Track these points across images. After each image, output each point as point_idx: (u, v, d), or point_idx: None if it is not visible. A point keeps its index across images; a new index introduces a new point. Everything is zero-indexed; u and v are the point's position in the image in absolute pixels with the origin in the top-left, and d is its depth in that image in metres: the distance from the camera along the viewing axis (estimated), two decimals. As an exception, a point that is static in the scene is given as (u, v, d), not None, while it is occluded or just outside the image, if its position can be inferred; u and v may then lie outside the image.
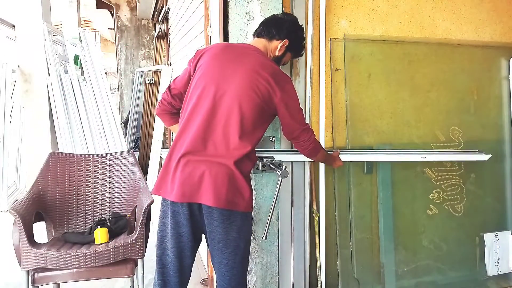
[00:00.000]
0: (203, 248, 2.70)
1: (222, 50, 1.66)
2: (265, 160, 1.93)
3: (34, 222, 2.17)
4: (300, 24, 1.85)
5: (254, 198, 2.07)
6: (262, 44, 1.74)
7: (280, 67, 1.82)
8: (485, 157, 2.40)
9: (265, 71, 1.58)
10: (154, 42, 7.46)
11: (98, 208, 2.44)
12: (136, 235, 2.00)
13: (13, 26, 4.49)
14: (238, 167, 1.54)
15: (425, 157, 2.28)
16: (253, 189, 2.04)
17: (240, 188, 1.55)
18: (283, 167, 1.82)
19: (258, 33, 1.79)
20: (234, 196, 1.54)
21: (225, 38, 1.97)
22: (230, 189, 1.53)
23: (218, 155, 1.53)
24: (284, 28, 1.75)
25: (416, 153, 2.31)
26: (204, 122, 1.55)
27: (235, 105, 1.54)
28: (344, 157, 2.19)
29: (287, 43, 1.75)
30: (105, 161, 2.52)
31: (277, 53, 1.75)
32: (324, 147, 2.24)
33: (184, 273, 1.69)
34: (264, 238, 1.89)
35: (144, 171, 4.00)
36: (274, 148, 2.10)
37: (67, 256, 1.97)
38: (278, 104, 1.62)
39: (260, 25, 1.80)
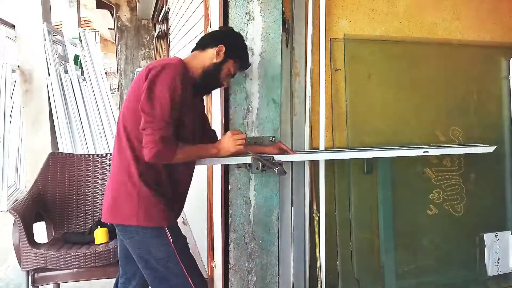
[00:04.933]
0: (203, 248, 2.70)
1: None
2: (265, 160, 1.93)
3: (34, 222, 2.18)
4: (238, 32, 1.78)
5: (254, 198, 2.07)
6: (194, 55, 1.66)
7: (229, 78, 1.72)
8: (490, 149, 2.37)
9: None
10: (154, 42, 7.46)
11: (98, 208, 2.44)
12: (136, 235, 2.00)
13: (13, 26, 4.49)
14: None
15: (428, 151, 2.27)
16: (253, 189, 2.05)
17: None
18: (280, 165, 1.84)
19: (192, 49, 1.71)
20: None
21: (225, 38, 1.97)
22: None
23: None
24: (218, 36, 1.70)
25: (418, 148, 2.29)
26: None
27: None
28: (345, 155, 2.19)
29: (224, 49, 1.62)
30: (105, 161, 2.52)
31: (215, 60, 1.62)
32: (324, 147, 2.24)
33: None
34: None
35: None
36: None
37: (67, 256, 1.97)
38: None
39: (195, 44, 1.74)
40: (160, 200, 1.53)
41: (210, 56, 1.62)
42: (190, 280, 1.55)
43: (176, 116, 1.49)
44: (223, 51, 1.62)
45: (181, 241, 1.60)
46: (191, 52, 1.70)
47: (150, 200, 1.51)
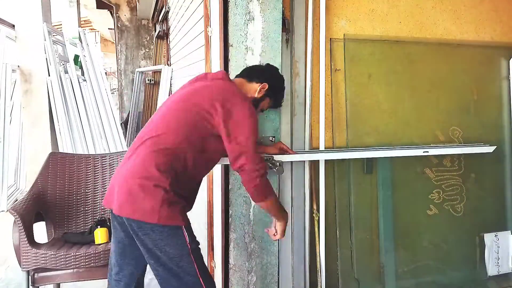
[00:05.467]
0: (203, 248, 2.70)
1: None
2: (265, 160, 1.93)
3: (34, 222, 2.18)
4: (282, 74, 1.92)
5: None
6: (241, 82, 1.79)
7: (259, 112, 1.87)
8: (490, 149, 2.39)
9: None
10: (154, 42, 7.46)
11: (98, 208, 2.44)
12: (136, 235, 2.00)
13: (13, 26, 4.49)
14: None
15: (428, 151, 2.28)
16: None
17: None
18: (278, 165, 1.89)
19: (238, 75, 1.86)
20: None
21: (225, 38, 1.97)
22: None
23: None
24: (265, 73, 1.84)
25: (418, 148, 2.30)
26: None
27: None
28: (345, 155, 2.19)
29: (267, 87, 1.78)
30: (105, 161, 2.52)
31: (256, 95, 1.78)
32: (324, 147, 2.24)
33: None
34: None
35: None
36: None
37: (67, 256, 1.97)
38: None
39: (242, 70, 1.89)
40: (180, 200, 1.57)
41: (254, 90, 1.78)
42: (201, 280, 1.57)
43: None
44: (266, 88, 1.78)
45: (196, 242, 1.62)
46: (237, 76, 1.84)
47: (172, 200, 1.54)
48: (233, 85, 1.71)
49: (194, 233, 1.64)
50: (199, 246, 1.64)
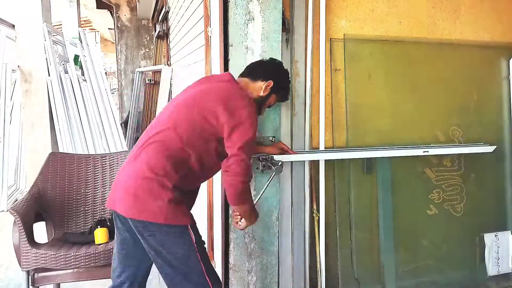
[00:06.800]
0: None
1: None
2: (265, 160, 1.93)
3: (34, 222, 2.17)
4: (286, 68, 1.90)
5: (254, 198, 2.07)
6: (246, 83, 1.79)
7: (265, 110, 1.88)
8: (490, 148, 2.39)
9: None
10: (154, 42, 7.46)
11: (98, 208, 2.44)
12: (136, 235, 2.00)
13: (13, 26, 4.48)
14: None
15: (428, 151, 2.28)
16: (253, 189, 2.05)
17: None
18: (278, 164, 1.90)
19: (242, 74, 1.85)
20: None
21: (225, 38, 1.97)
22: None
23: None
24: (270, 70, 1.82)
25: (418, 148, 2.30)
26: None
27: None
28: (345, 155, 2.19)
29: (272, 84, 1.77)
30: (105, 161, 2.52)
31: (261, 93, 1.77)
32: (324, 147, 2.24)
33: None
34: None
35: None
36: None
37: (67, 256, 1.97)
38: None
39: (245, 68, 1.87)
40: (184, 200, 1.58)
41: (259, 88, 1.77)
42: (208, 280, 1.58)
43: None
44: (271, 86, 1.76)
45: (202, 241, 1.63)
46: (240, 76, 1.82)
47: (178, 199, 1.54)
48: (237, 88, 1.71)
49: (200, 233, 1.65)
50: (205, 245, 1.65)
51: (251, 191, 2.04)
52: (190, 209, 1.71)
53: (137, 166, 1.57)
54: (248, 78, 1.80)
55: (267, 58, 1.95)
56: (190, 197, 1.70)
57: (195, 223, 1.63)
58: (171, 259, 1.56)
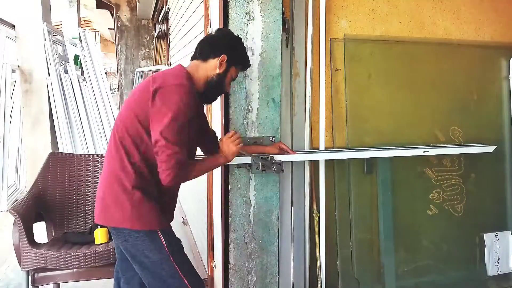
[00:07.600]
0: (203, 248, 2.70)
1: None
2: (265, 160, 1.93)
3: (34, 222, 2.18)
4: (236, 35, 1.72)
5: (254, 198, 2.07)
6: (196, 66, 1.63)
7: (230, 83, 1.71)
8: (490, 149, 2.39)
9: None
10: (154, 42, 7.46)
11: (98, 208, 2.43)
12: (136, 235, 2.00)
13: (13, 26, 4.49)
14: None
15: (428, 151, 2.28)
16: (253, 189, 2.05)
17: None
18: (278, 164, 1.89)
19: (192, 57, 1.68)
20: None
21: (225, 38, 1.97)
22: None
23: None
24: (218, 45, 1.64)
25: (418, 148, 2.30)
26: None
27: None
28: (345, 155, 2.19)
29: (226, 58, 1.60)
30: (105, 161, 2.52)
31: (218, 71, 1.61)
32: (324, 147, 2.24)
33: None
34: None
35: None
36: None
37: (67, 256, 1.97)
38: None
39: (195, 48, 1.69)
40: (152, 204, 1.53)
41: (213, 67, 1.60)
42: (185, 281, 1.56)
43: (187, 135, 1.49)
44: (225, 60, 1.60)
45: (174, 243, 1.60)
46: (192, 60, 1.68)
47: (143, 205, 1.51)
48: (175, 72, 1.57)
49: (175, 234, 1.63)
50: (181, 245, 1.63)
51: (251, 191, 2.05)
52: (170, 209, 1.67)
53: (105, 173, 1.58)
54: (198, 60, 1.64)
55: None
56: (165, 203, 1.62)
57: (168, 226, 1.61)
58: (147, 263, 1.55)
